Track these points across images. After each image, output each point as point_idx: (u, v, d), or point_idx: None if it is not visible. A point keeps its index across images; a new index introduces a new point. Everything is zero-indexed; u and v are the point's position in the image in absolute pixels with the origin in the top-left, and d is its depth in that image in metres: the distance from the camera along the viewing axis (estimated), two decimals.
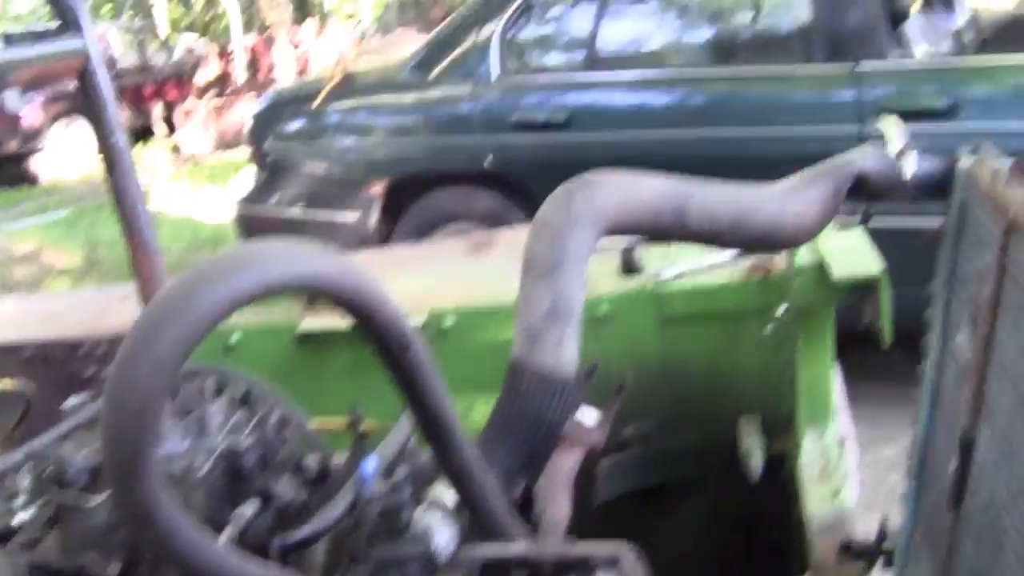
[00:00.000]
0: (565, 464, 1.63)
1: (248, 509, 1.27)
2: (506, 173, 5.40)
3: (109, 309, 2.73)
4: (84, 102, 2.29)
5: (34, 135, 14.85)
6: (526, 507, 1.43)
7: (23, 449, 1.52)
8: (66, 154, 15.23)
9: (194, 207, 11.71)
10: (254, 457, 1.37)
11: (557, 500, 1.62)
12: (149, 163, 15.90)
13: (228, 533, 1.22)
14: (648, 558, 2.32)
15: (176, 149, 15.77)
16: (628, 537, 2.26)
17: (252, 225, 6.73)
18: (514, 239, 2.60)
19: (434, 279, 2.48)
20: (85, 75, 2.24)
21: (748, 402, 2.16)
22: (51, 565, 1.37)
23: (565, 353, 1.37)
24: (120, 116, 2.34)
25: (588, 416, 1.66)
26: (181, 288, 0.87)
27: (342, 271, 0.96)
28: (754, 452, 2.06)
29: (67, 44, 2.18)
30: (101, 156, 2.37)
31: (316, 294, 0.95)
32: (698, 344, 2.19)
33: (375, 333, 1.01)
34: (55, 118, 15.04)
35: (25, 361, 2.64)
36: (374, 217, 5.92)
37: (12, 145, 14.69)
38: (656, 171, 1.50)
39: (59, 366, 2.62)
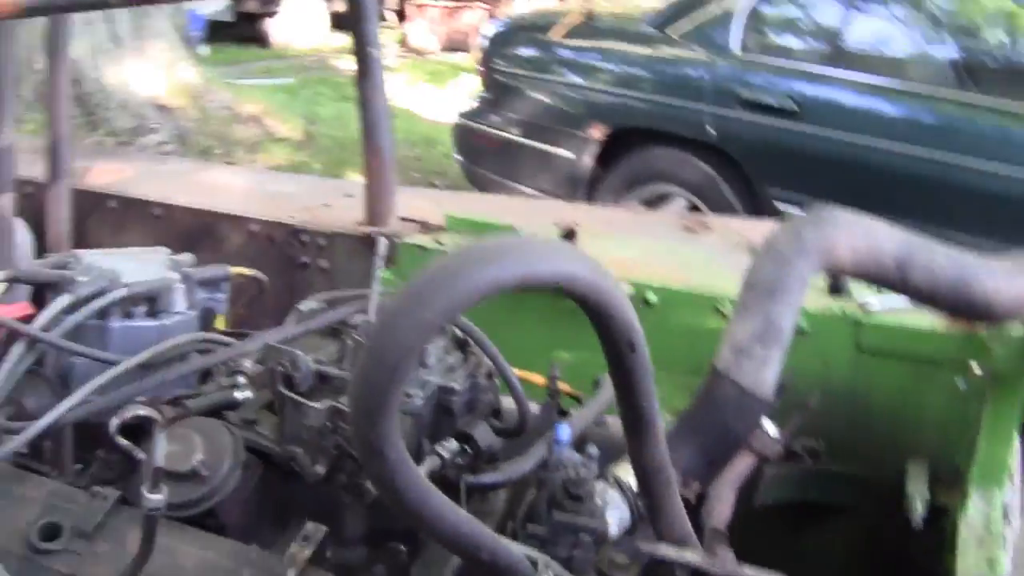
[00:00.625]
0: (738, 468, 1.70)
1: (450, 447, 1.39)
2: (725, 147, 5.40)
3: (333, 204, 2.88)
4: (349, 10, 2.42)
5: None
6: (697, 506, 1.50)
7: (260, 337, 1.66)
8: (299, 22, 15.69)
9: (412, 101, 11.99)
10: (463, 399, 1.48)
11: (724, 501, 1.69)
12: None
13: (427, 465, 1.34)
14: (792, 572, 2.38)
15: (403, 41, 16.07)
16: (777, 546, 2.33)
17: (469, 140, 6.91)
18: (729, 229, 2.65)
19: (645, 251, 2.54)
20: None
21: (922, 447, 2.17)
22: (264, 447, 1.52)
23: (766, 375, 1.44)
24: (377, 30, 2.46)
25: (771, 427, 1.72)
26: (452, 265, 0.96)
27: (592, 274, 1.03)
28: (919, 496, 2.08)
29: None
30: (356, 62, 2.51)
31: (566, 293, 1.02)
32: (888, 379, 2.20)
33: (610, 334, 1.09)
34: None
35: (250, 234, 2.83)
36: (589, 159, 6.00)
37: (251, 4, 15.18)
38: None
39: (281, 247, 2.80)
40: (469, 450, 1.43)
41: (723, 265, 2.46)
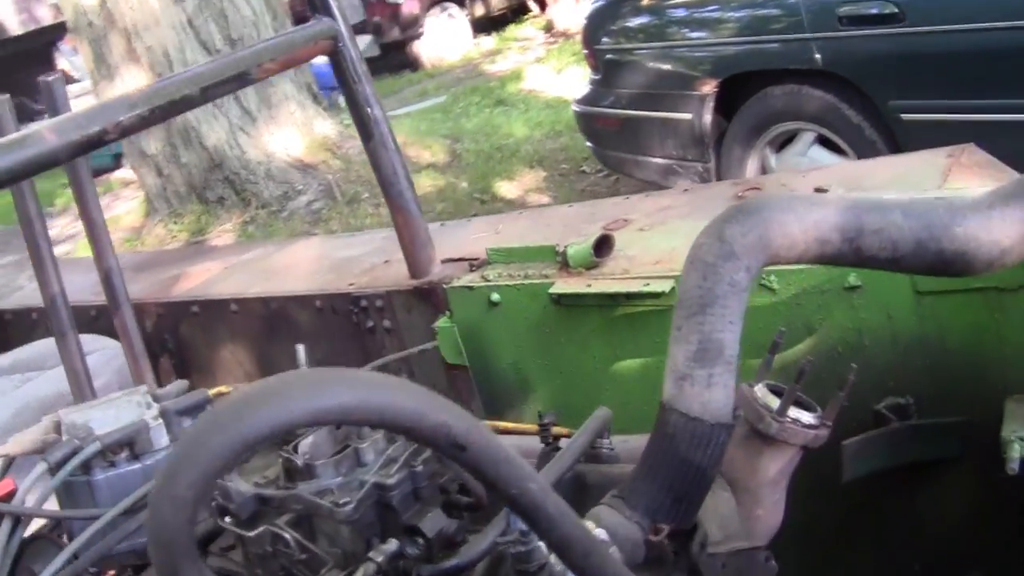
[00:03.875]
0: (773, 466, 1.56)
1: (386, 549, 1.32)
2: (836, 70, 5.11)
3: (392, 258, 2.86)
4: (338, 77, 2.41)
5: (412, 22, 15.68)
6: (688, 537, 1.39)
7: None
8: (445, 36, 16.00)
9: (561, 87, 11.96)
10: (403, 491, 1.41)
11: (764, 503, 1.57)
12: (522, 42, 16.34)
13: (361, 573, 1.28)
14: (905, 538, 2.20)
15: (549, 27, 16.07)
16: (890, 515, 2.16)
17: (591, 124, 6.84)
18: (783, 185, 2.48)
19: (690, 236, 2.40)
20: (337, 54, 2.36)
21: (1014, 380, 1.97)
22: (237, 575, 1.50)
23: (713, 396, 1.31)
24: (372, 89, 2.43)
25: (804, 415, 1.58)
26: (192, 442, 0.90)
27: (375, 392, 0.95)
28: (1015, 440, 1.88)
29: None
30: (357, 126, 2.49)
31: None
32: (957, 317, 2.00)
33: (428, 444, 1.00)
34: (430, 5, 15.79)
35: (316, 311, 2.86)
36: (708, 116, 5.83)
37: (394, 33, 15.64)
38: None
39: (346, 317, 2.81)
40: (419, 541, 1.37)
41: None
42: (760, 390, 1.55)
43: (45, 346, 3.23)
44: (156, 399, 1.77)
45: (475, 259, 2.62)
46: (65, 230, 12.04)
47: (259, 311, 3.01)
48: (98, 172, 14.49)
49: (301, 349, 1.60)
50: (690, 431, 1.31)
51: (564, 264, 2.41)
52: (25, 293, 3.72)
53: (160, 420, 1.71)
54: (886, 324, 2.06)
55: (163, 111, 1.91)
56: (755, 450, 1.56)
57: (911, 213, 1.34)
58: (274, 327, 2.99)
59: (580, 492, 1.60)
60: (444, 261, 2.67)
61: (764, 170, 5.75)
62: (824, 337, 2.12)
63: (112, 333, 2.96)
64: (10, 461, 1.72)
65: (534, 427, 1.73)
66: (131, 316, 2.64)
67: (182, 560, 0.90)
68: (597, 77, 6.56)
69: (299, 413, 0.90)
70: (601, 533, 1.33)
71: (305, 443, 1.51)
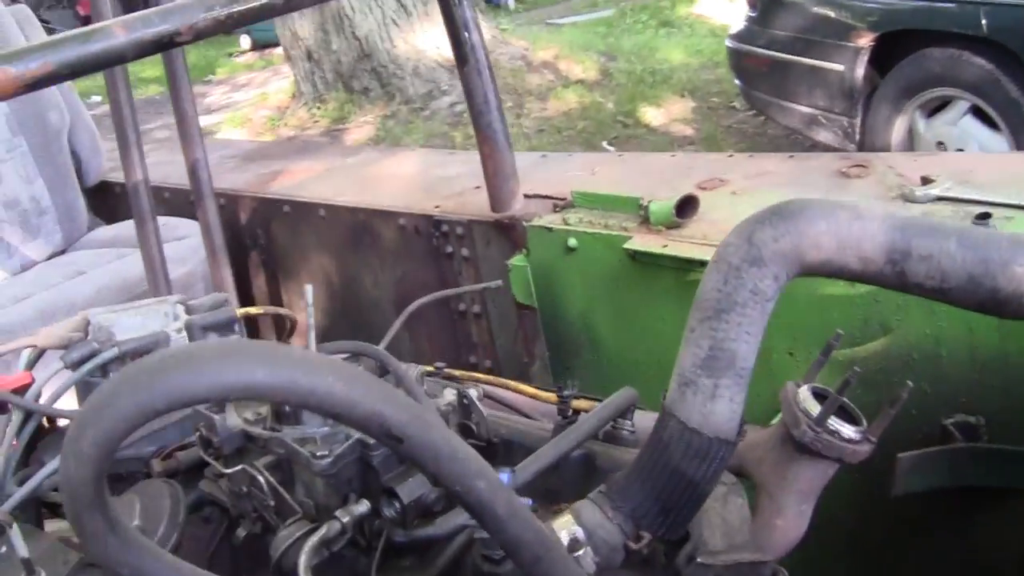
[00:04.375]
0: (803, 476, 1.46)
1: (355, 510, 1.27)
2: (1002, 39, 4.77)
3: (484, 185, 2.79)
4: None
5: None
6: (676, 546, 1.31)
7: None
8: None
9: (732, 15, 11.58)
10: (388, 452, 1.36)
11: (786, 514, 1.47)
12: None
13: (319, 534, 1.23)
14: (956, 564, 2.07)
15: None
16: (940, 537, 2.03)
17: (741, 62, 6.61)
18: (891, 171, 2.32)
19: None
20: None
21: None
22: (222, 502, 1.48)
23: (716, 409, 1.21)
24: (472, 13, 2.34)
25: (846, 427, 1.47)
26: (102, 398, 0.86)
27: (284, 371, 0.89)
28: None
29: None
30: (453, 49, 2.41)
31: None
32: None
33: (361, 429, 0.94)
34: None
35: (400, 228, 2.82)
36: (860, 70, 5.55)
37: None
38: None
39: (427, 239, 2.77)
40: (396, 504, 1.31)
41: None
42: (803, 393, 1.44)
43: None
44: (188, 310, 1.75)
45: (561, 199, 2.53)
46: (220, 99, 12.32)
47: (345, 219, 2.98)
48: (266, 45, 14.71)
49: (309, 289, 1.54)
50: (686, 442, 1.22)
51: (645, 219, 2.32)
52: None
53: (183, 333, 1.69)
54: (966, 336, 1.91)
55: (240, 17, 1.86)
56: (787, 456, 1.45)
57: (968, 243, 1.21)
58: (358, 238, 2.97)
59: (587, 473, 1.52)
60: (529, 196, 2.59)
61: (911, 134, 5.45)
62: (899, 340, 1.98)
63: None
64: (39, 353, 1.73)
65: (554, 396, 1.65)
66: (214, 210, 2.64)
67: (83, 511, 0.88)
68: (753, 14, 6.30)
69: (212, 385, 0.85)
70: (578, 531, 1.26)
71: None
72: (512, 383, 1.74)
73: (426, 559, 1.34)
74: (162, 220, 3.27)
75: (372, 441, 1.35)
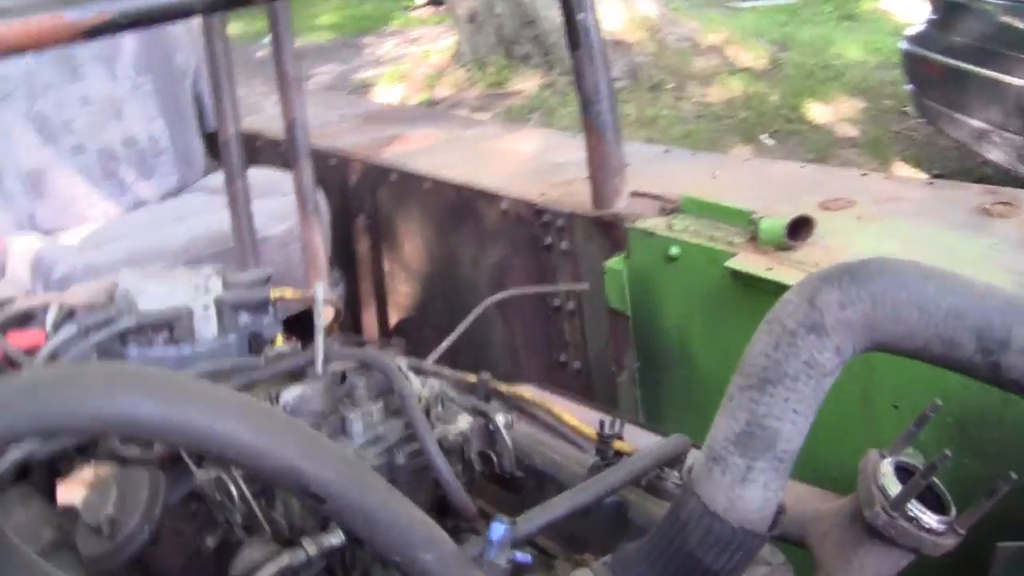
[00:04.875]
0: (869, 562, 1.27)
1: (326, 540, 1.12)
2: None
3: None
4: None
5: None
6: None
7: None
8: None
9: (920, 14, 11.02)
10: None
11: None
12: None
13: (281, 562, 1.10)
14: None
15: None
16: None
17: (916, 67, 6.23)
18: None
19: (907, 243, 2.03)
20: None
21: None
22: None
23: (746, 495, 1.02)
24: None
25: (928, 515, 1.27)
26: None
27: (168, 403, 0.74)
28: None
29: None
30: (566, 33, 2.24)
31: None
32: None
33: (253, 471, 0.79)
34: None
35: (502, 213, 2.68)
36: None
37: None
38: None
39: (528, 227, 2.61)
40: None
41: (1002, 265, 1.91)
42: (885, 467, 1.23)
43: (263, 175, 3.22)
44: (226, 284, 1.64)
45: (672, 201, 2.34)
46: (388, 52, 12.34)
47: (449, 195, 2.85)
48: (441, 1, 14.66)
49: (320, 287, 1.40)
50: (706, 527, 1.03)
51: (754, 236, 2.11)
52: (264, 117, 3.71)
53: (211, 309, 1.58)
54: None
55: None
56: (855, 538, 1.26)
57: None
58: (460, 216, 2.83)
59: (619, 523, 1.35)
60: (637, 194, 2.40)
61: None
62: (1021, 415, 1.74)
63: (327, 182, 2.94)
64: (69, 312, 1.63)
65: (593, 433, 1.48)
66: (309, 172, 2.53)
67: None
68: (935, 17, 5.90)
69: (86, 415, 0.71)
70: None
71: (291, 393, 1.33)
72: (557, 409, 1.57)
73: None
74: (271, 173, 3.20)
75: None
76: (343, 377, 1.35)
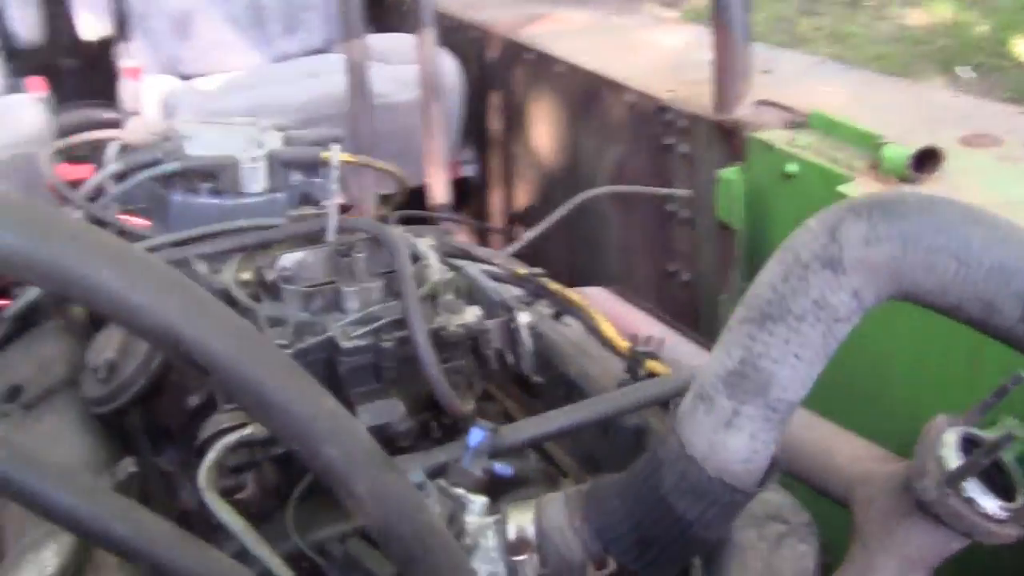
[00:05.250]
0: (914, 541, 1.13)
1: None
2: None
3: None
4: None
5: None
6: None
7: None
8: None
9: None
10: (358, 363, 1.13)
11: None
12: None
13: (243, 433, 1.04)
14: None
15: None
16: None
17: None
18: None
19: None
20: None
21: None
22: None
23: (729, 443, 0.90)
24: None
25: (987, 499, 1.12)
26: None
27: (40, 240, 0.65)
28: None
29: None
30: None
31: None
32: None
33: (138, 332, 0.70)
34: None
35: (628, 105, 2.55)
36: None
37: None
38: None
39: (650, 124, 2.48)
40: None
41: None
42: (949, 436, 1.09)
43: (403, 41, 3.15)
44: (289, 141, 1.58)
45: (799, 114, 2.16)
46: None
47: (579, 82, 2.72)
48: None
49: (335, 150, 1.31)
50: (680, 471, 0.92)
51: (877, 163, 1.93)
52: None
53: (260, 163, 1.52)
54: None
55: None
56: (902, 509, 1.12)
57: None
58: (586, 105, 2.71)
59: (635, 450, 1.25)
60: (763, 103, 2.23)
61: None
62: None
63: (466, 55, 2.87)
64: (125, 147, 1.61)
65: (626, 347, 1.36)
66: (431, 42, 2.45)
67: None
68: None
69: None
70: (528, 531, 1.00)
71: (291, 258, 1.26)
72: (599, 319, 1.46)
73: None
74: (411, 40, 3.12)
75: (347, 344, 1.13)
76: (350, 250, 1.28)
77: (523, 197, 3.16)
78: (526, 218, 3.10)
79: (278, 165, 1.53)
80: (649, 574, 0.99)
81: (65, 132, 2.88)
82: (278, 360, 0.73)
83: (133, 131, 1.62)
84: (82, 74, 4.00)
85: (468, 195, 3.26)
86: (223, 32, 3.39)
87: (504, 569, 0.99)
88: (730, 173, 2.19)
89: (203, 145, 1.52)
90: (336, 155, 1.36)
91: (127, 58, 3.39)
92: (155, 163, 1.49)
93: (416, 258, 1.30)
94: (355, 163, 1.54)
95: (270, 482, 1.19)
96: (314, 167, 1.55)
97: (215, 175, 1.50)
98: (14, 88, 3.24)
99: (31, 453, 0.86)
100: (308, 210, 1.46)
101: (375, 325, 1.19)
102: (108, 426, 1.29)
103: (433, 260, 1.30)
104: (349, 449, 0.76)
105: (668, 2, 8.30)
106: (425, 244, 1.32)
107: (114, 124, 3.56)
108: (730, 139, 2.22)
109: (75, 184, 1.53)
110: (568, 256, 2.85)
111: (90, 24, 3.36)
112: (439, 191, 2.48)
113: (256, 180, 1.51)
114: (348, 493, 0.77)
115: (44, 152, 1.65)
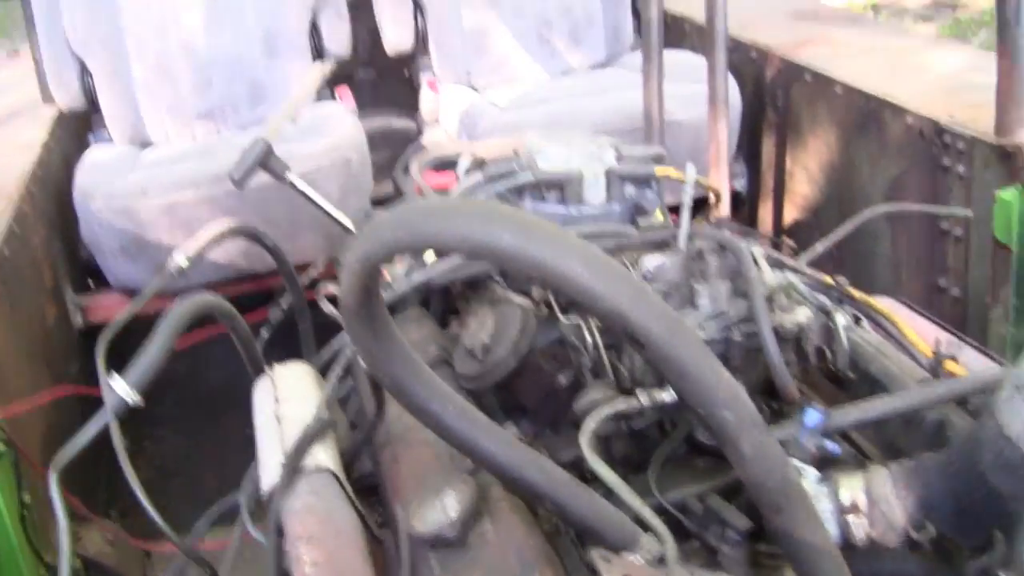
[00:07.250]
0: None
1: (661, 395, 1.29)
2: None
3: None
4: None
5: None
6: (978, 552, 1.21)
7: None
8: None
9: None
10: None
11: None
12: None
13: (617, 405, 1.27)
14: None
15: None
16: None
17: None
18: None
19: None
20: None
21: None
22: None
23: None
24: None
25: None
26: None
27: (539, 243, 0.89)
28: None
29: None
30: None
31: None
32: None
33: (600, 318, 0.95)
34: None
35: (906, 127, 2.70)
36: None
37: None
38: None
39: (928, 145, 2.62)
40: None
41: None
42: None
43: (684, 58, 3.36)
44: (619, 157, 1.81)
45: None
46: None
47: (858, 103, 2.87)
48: None
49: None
50: (997, 449, 1.10)
51: None
52: (693, 2, 3.82)
53: (601, 177, 1.76)
54: None
55: None
56: None
57: None
58: (865, 125, 2.85)
59: (935, 442, 1.42)
60: None
61: None
62: None
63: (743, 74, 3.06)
64: (479, 161, 1.88)
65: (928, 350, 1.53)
66: (722, 61, 2.64)
67: (351, 318, 1.00)
68: None
69: (460, 239, 0.89)
70: (861, 497, 1.20)
71: (651, 260, 1.49)
72: (901, 323, 1.63)
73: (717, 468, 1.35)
74: (692, 59, 3.31)
75: (703, 337, 1.36)
76: (701, 255, 1.50)
77: (793, 212, 3.31)
78: (796, 233, 3.24)
79: (615, 179, 1.77)
80: (962, 540, 1.18)
81: (368, 138, 3.24)
82: (692, 340, 0.96)
83: (484, 147, 1.89)
84: (373, 84, 4.42)
85: (737, 207, 3.43)
86: (513, 47, 3.68)
87: (836, 528, 1.20)
88: (1008, 194, 2.30)
89: (551, 160, 1.77)
90: (691, 171, 1.58)
91: (426, 71, 3.73)
92: (511, 175, 1.75)
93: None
94: (679, 179, 1.76)
95: (621, 453, 1.44)
96: (646, 181, 1.78)
97: (562, 186, 1.75)
98: (325, 96, 3.60)
99: (469, 408, 1.14)
100: (657, 222, 1.71)
101: (726, 322, 1.42)
102: (474, 399, 1.54)
103: (764, 265, 1.52)
104: (740, 414, 0.97)
105: (925, 16, 8.21)
106: (758, 252, 1.53)
107: (408, 132, 3.94)
108: (1009, 161, 2.33)
109: (439, 191, 1.82)
110: (837, 268, 2.99)
111: (395, 39, 3.71)
112: (722, 206, 2.67)
113: (597, 192, 1.75)
114: (734, 449, 0.99)
115: (416, 161, 1.95)
